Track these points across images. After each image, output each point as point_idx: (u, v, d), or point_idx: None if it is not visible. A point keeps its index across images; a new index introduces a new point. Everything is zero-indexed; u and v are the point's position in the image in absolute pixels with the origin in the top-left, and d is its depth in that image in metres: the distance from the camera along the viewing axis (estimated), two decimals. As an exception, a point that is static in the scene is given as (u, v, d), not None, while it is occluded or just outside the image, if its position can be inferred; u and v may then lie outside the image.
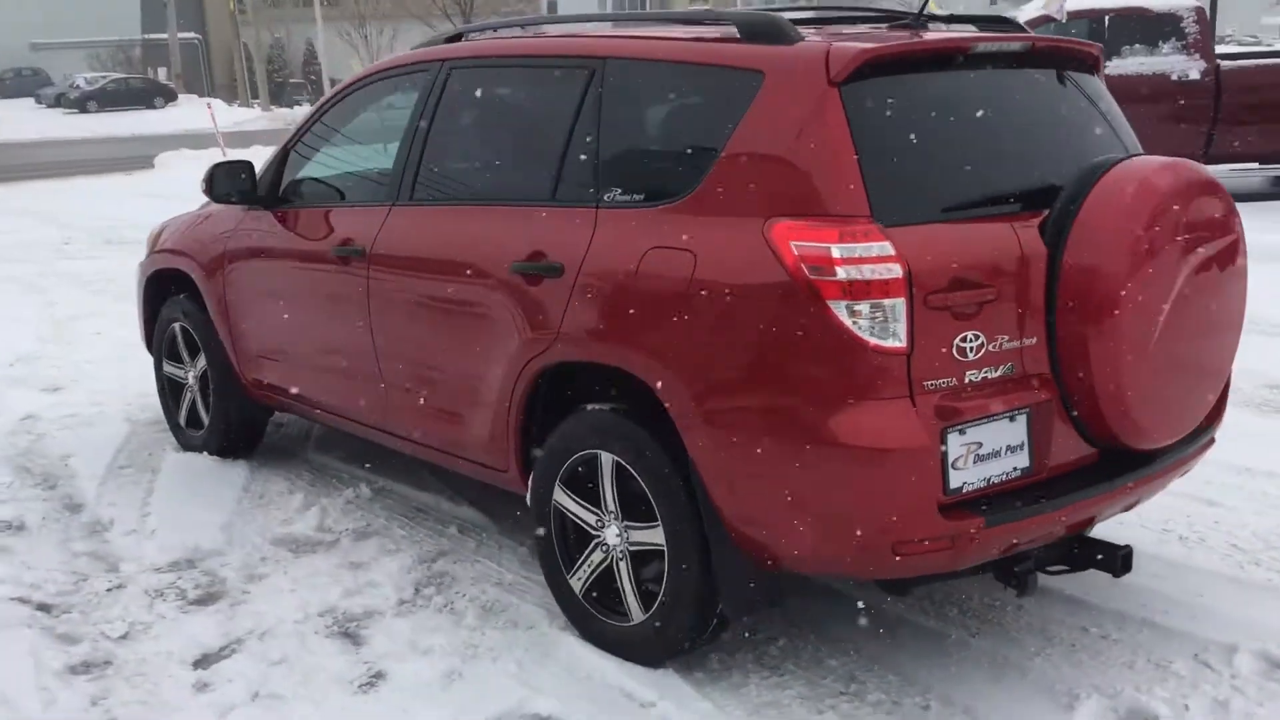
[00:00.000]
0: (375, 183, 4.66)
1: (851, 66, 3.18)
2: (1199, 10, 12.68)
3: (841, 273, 3.02)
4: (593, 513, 3.67)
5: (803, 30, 3.44)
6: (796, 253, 3.07)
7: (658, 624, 3.54)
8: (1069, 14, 12.63)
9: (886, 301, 3.03)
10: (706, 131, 3.43)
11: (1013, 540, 3.17)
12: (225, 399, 5.38)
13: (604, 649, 3.71)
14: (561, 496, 3.75)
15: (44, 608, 4.11)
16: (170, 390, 5.77)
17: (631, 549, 3.59)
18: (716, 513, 3.31)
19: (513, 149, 4.08)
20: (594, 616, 3.74)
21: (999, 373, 3.18)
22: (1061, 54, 3.66)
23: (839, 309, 3.02)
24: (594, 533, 3.68)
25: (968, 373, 3.14)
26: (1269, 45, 29.06)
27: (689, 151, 3.48)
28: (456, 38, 4.52)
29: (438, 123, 4.25)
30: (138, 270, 5.99)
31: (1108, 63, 12.05)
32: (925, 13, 3.71)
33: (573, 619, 3.83)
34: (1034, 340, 3.23)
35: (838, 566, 3.29)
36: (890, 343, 3.04)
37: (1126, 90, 11.98)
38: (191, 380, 5.59)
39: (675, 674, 3.58)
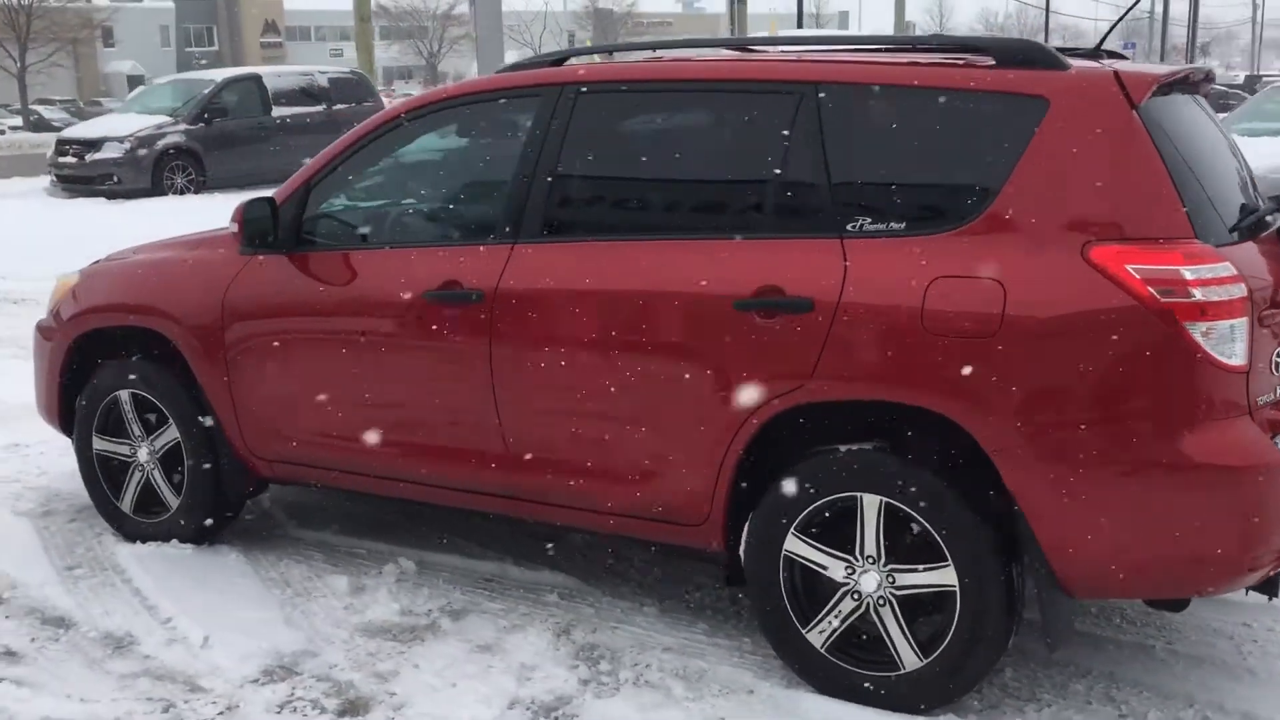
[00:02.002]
0: (468, 219, 4.19)
1: (1148, 90, 3.24)
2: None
3: (1197, 294, 3.06)
4: (841, 560, 3.48)
5: None
6: (1139, 276, 3.07)
7: (938, 669, 3.40)
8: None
9: (1234, 321, 3.10)
10: (978, 157, 3.37)
11: None
12: (210, 477, 4.62)
13: (854, 701, 3.52)
14: (798, 546, 3.54)
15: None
16: (106, 472, 4.88)
17: (898, 594, 3.43)
18: (1040, 546, 3.23)
19: (700, 179, 3.79)
20: (842, 669, 3.54)
21: None
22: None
23: (1194, 331, 3.06)
24: (841, 581, 3.49)
25: (1278, 387, 3.27)
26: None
27: (958, 178, 3.40)
28: (558, 62, 4.15)
29: (571, 152, 3.88)
30: (38, 333, 5.03)
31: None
32: (1103, 48, 3.82)
33: (808, 674, 3.61)
34: None
35: (1179, 586, 3.30)
36: (1235, 361, 3.11)
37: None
38: (144, 458, 4.76)
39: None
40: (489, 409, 3.95)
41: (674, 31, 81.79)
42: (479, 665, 3.81)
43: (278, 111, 19.30)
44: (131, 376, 4.70)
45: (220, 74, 20.19)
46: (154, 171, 17.89)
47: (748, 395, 3.52)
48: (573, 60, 4.15)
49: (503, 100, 4.12)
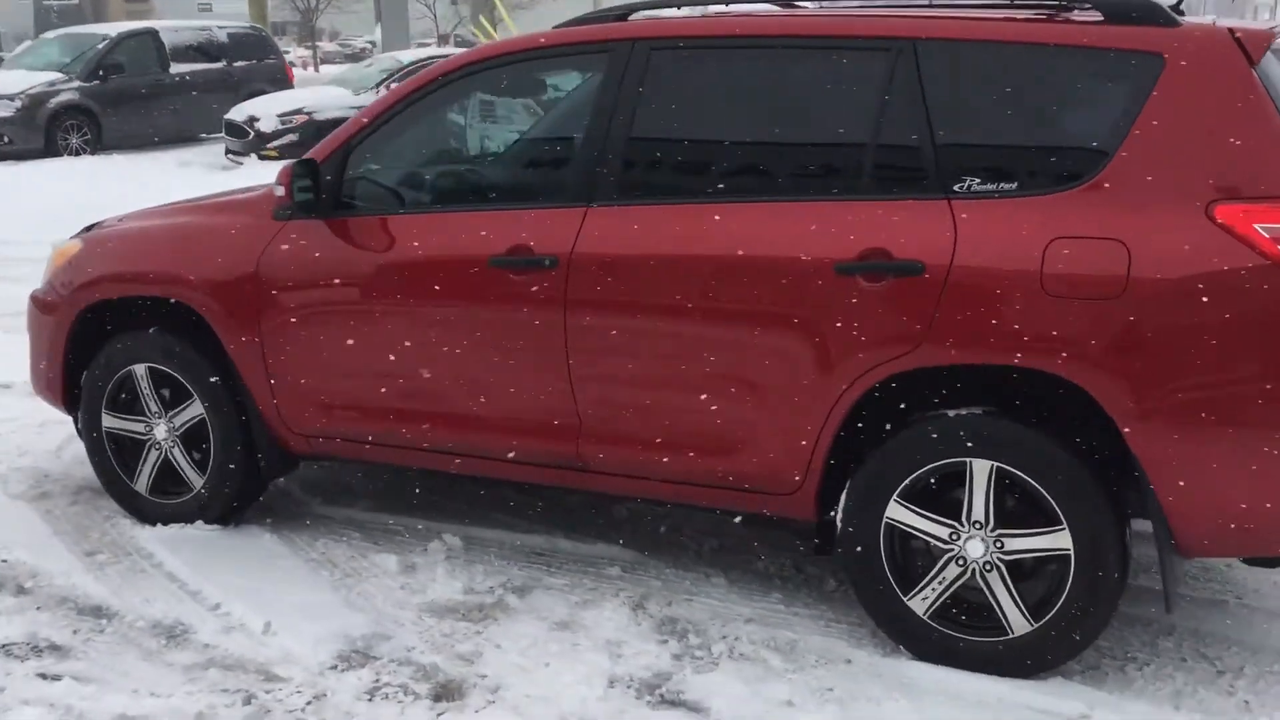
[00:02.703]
0: (533, 180, 4.02)
1: (1265, 49, 3.22)
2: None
3: None
4: (947, 525, 3.44)
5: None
6: (1267, 235, 3.06)
7: (1050, 633, 3.38)
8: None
9: None
10: (1091, 114, 3.32)
11: None
12: (240, 455, 4.39)
13: (958, 666, 3.49)
14: (899, 512, 3.48)
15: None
16: (117, 451, 4.61)
17: (1006, 559, 3.40)
18: (1161, 508, 3.22)
19: (788, 139, 3.67)
20: (946, 635, 3.50)
21: None
22: None
23: None
24: (945, 546, 3.45)
25: None
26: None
27: (1070, 136, 3.35)
28: (622, 16, 3.98)
29: (647, 111, 3.74)
30: (35, 305, 4.72)
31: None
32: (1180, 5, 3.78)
33: (909, 641, 3.57)
34: None
35: None
36: None
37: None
38: (162, 436, 4.50)
39: (1079, 682, 3.46)
40: (561, 379, 3.80)
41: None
42: (563, 643, 3.69)
43: (176, 68, 18.62)
44: (149, 350, 4.43)
45: (114, 28, 19.38)
46: (47, 131, 17.08)
47: (851, 361, 3.44)
48: (637, 15, 3.98)
49: (567, 56, 3.95)
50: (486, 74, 4.04)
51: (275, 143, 15.35)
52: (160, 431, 4.50)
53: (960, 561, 3.44)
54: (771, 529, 4.38)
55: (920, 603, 3.51)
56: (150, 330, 4.45)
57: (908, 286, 3.35)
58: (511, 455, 3.99)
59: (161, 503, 4.56)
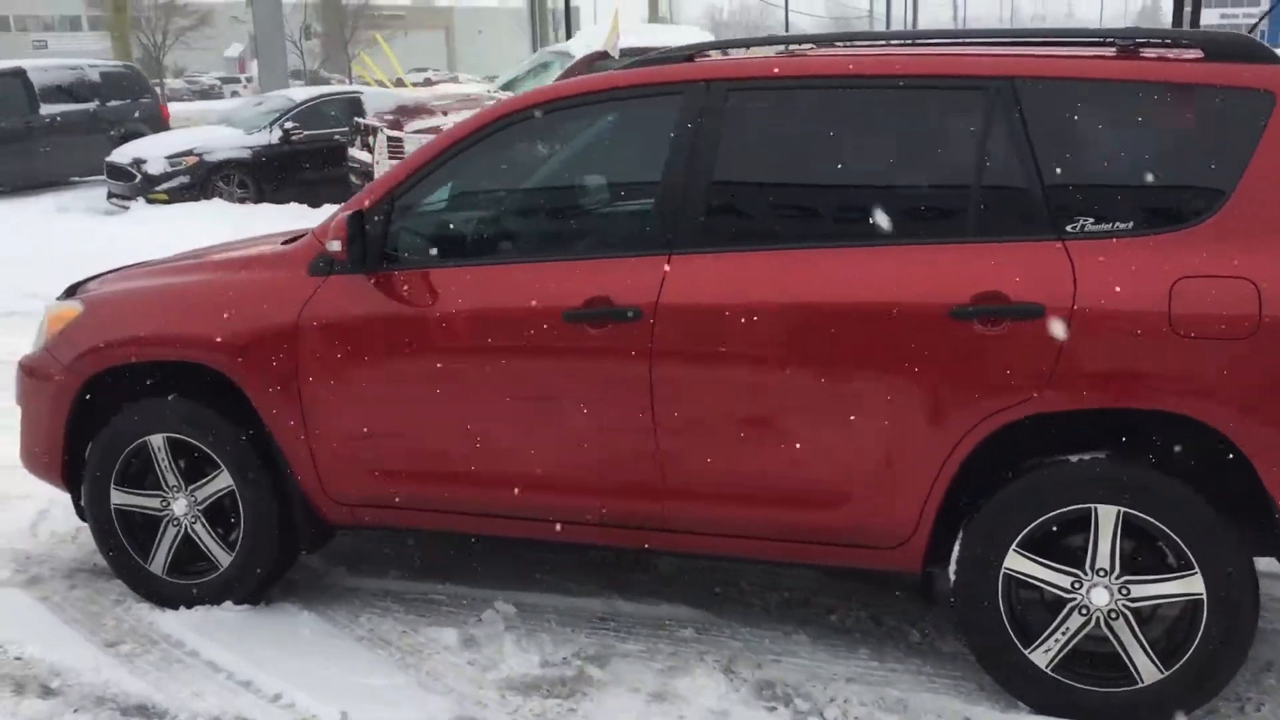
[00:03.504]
0: (603, 228, 3.84)
1: None
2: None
3: None
4: (1069, 574, 3.35)
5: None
6: None
7: (1181, 680, 3.32)
8: (621, 51, 13.12)
9: None
10: (1203, 152, 3.30)
11: None
12: (273, 528, 4.08)
13: (1083, 718, 3.40)
14: (1018, 562, 3.39)
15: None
16: (127, 529, 4.25)
17: (1131, 606, 3.33)
18: None
19: (882, 181, 3.56)
20: (1070, 688, 3.41)
21: None
22: None
23: None
24: (1068, 596, 3.36)
25: None
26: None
27: (1183, 174, 3.31)
28: (689, 57, 3.83)
29: (729, 154, 3.60)
30: (28, 374, 4.34)
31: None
32: (1257, 29, 3.80)
33: (1030, 695, 3.47)
34: None
35: None
36: None
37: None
38: (181, 511, 4.16)
39: (1213, 728, 3.39)
40: (645, 435, 3.62)
41: (406, 24, 79.47)
42: (668, 716, 3.50)
43: (47, 109, 17.74)
44: (168, 418, 4.10)
45: (-23, 69, 18.40)
46: (-90, 176, 16.13)
47: (968, 409, 3.33)
48: (707, 55, 3.84)
49: (634, 100, 3.77)
50: (552, 116, 3.83)
51: (164, 185, 14.71)
52: (179, 506, 4.16)
53: (1083, 610, 3.35)
54: (837, 579, 4.27)
55: (1043, 655, 3.41)
56: (169, 397, 4.12)
57: (1027, 330, 3.26)
58: (587, 517, 3.78)
59: (182, 583, 4.22)
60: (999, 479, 3.41)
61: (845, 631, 4.01)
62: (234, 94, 59.90)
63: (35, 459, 4.37)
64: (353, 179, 14.05)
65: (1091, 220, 3.29)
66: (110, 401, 4.20)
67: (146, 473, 4.22)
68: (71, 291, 4.55)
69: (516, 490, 3.82)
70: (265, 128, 15.29)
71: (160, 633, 4.06)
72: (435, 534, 4.26)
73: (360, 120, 13.83)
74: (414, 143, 12.58)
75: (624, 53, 13.09)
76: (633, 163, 3.83)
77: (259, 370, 3.93)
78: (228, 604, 4.17)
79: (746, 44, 3.87)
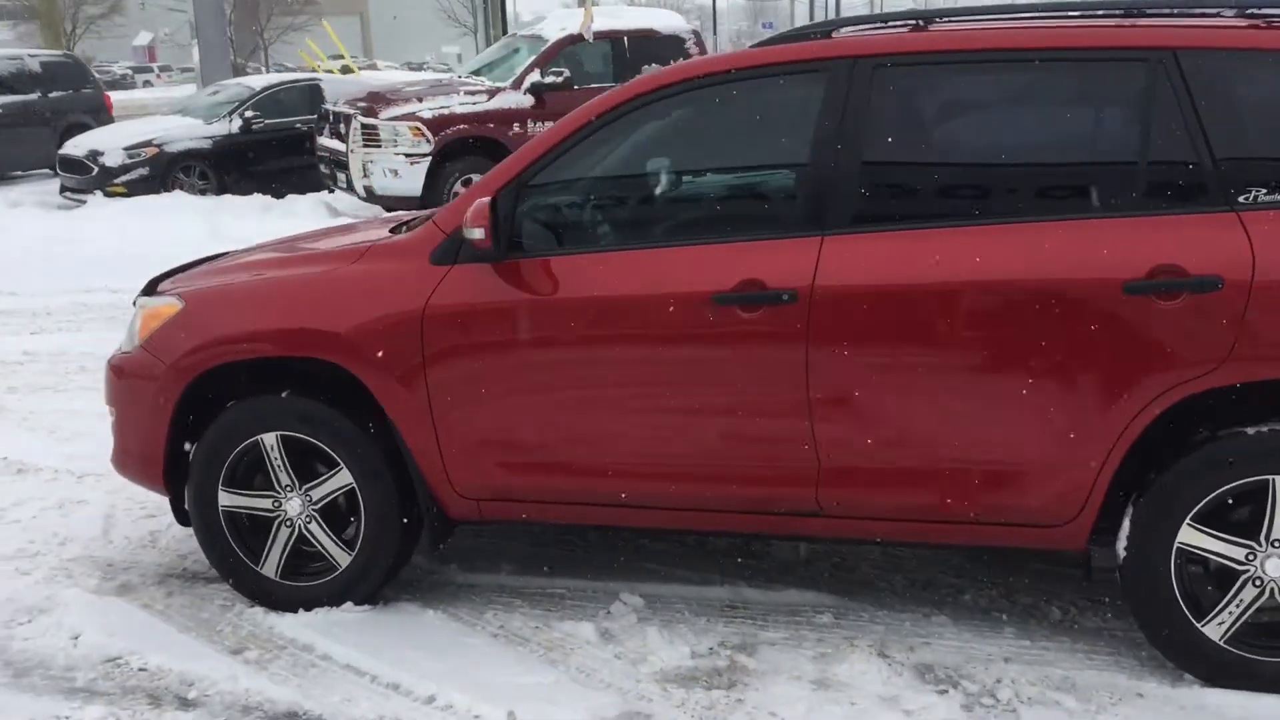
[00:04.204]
0: (748, 210, 3.77)
1: None
2: (696, 33, 13.72)
3: None
4: (1243, 546, 3.36)
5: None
6: None
7: None
8: (595, 34, 13.01)
9: None
10: None
11: None
12: (398, 525, 3.96)
13: (1261, 690, 3.41)
14: (1192, 536, 3.38)
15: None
16: (236, 532, 4.10)
17: (1306, 575, 3.34)
18: None
19: (1042, 156, 3.52)
20: (1244, 659, 3.42)
21: None
22: None
23: None
24: (1241, 568, 3.37)
25: None
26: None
27: None
28: (825, 33, 3.76)
29: (880, 131, 3.54)
30: (123, 374, 4.17)
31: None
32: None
33: (1202, 669, 3.47)
34: None
35: None
36: None
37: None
38: (295, 511, 4.02)
39: (1386, 692, 3.41)
40: (800, 420, 3.56)
41: (320, 10, 77.82)
42: (840, 704, 3.45)
43: (-13, 101, 17.18)
44: (283, 416, 3.96)
45: (-89, 60, 17.77)
46: None
47: (1146, 384, 3.31)
48: (843, 31, 3.78)
49: (776, 77, 3.69)
50: (686, 95, 3.74)
51: (123, 178, 14.33)
52: (293, 506, 4.02)
53: (1258, 582, 3.35)
54: (953, 557, 4.24)
55: (1216, 628, 3.41)
56: (283, 394, 3.97)
57: (1206, 303, 3.24)
58: (735, 505, 3.72)
59: (297, 585, 4.07)
60: (1171, 453, 3.39)
61: (983, 611, 3.98)
62: (146, 84, 58.61)
63: (133, 462, 4.20)
64: (322, 168, 13.79)
65: (1265, 190, 3.28)
66: (211, 401, 4.04)
67: (254, 473, 4.07)
68: (152, 288, 4.37)
69: (658, 479, 3.74)
70: (225, 117, 14.95)
71: (283, 637, 3.92)
72: (564, 526, 4.16)
73: (329, 108, 13.55)
74: (389, 130, 12.37)
75: (598, 36, 12.99)
76: (775, 141, 3.76)
77: (384, 364, 3.81)
78: (347, 605, 4.04)
79: (884, 19, 3.79)
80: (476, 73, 13.85)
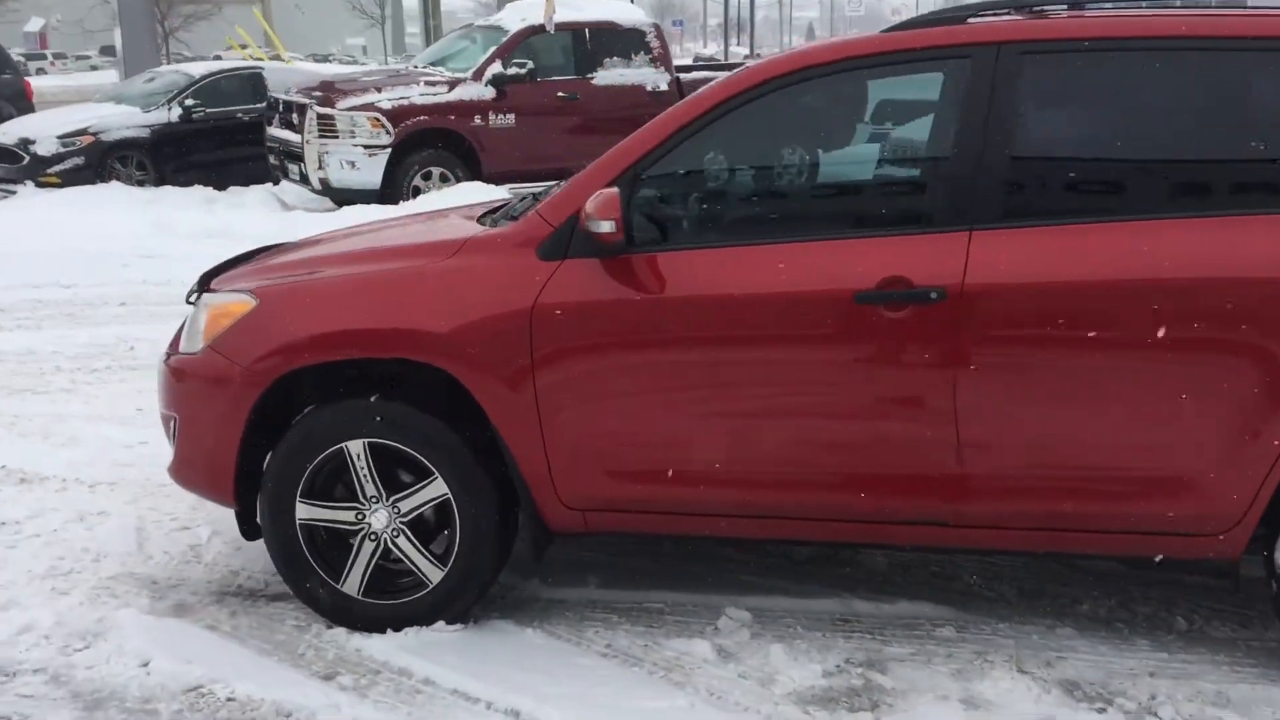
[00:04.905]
0: (883, 203, 3.58)
1: None
2: (657, 26, 13.51)
3: None
4: (1387, 559, 3.26)
5: None
6: None
7: None
8: (556, 25, 12.74)
9: None
10: None
11: None
12: (497, 537, 3.71)
13: None
14: (1357, 545, 3.27)
15: None
16: (314, 547, 3.81)
17: None
18: None
19: (1216, 148, 3.37)
20: (1406, 671, 3.32)
21: None
22: None
23: None
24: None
25: None
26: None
27: None
28: (960, 19, 3.58)
29: (1032, 121, 3.38)
30: (189, 377, 3.85)
31: (593, 74, 12.47)
32: None
33: (1362, 681, 3.36)
34: None
35: None
36: None
37: (614, 99, 12.52)
38: (380, 525, 3.74)
39: None
40: (944, 425, 3.38)
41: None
42: (997, 725, 3.26)
43: (-98, 88, 16.33)
44: (370, 421, 3.67)
45: None
46: None
47: (1326, 382, 3.18)
48: (979, 16, 3.60)
49: (912, 63, 3.51)
50: (817, 81, 3.53)
51: (57, 167, 13.69)
52: (379, 519, 3.73)
53: None
54: (1053, 565, 4.10)
55: (1380, 638, 3.30)
56: (371, 398, 3.69)
57: (1386, 301, 3.12)
58: (867, 515, 3.52)
59: (382, 604, 3.79)
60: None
61: (1106, 622, 3.84)
62: (40, 71, 56.74)
63: (198, 473, 3.88)
64: (271, 159, 13.32)
65: None
66: (279, 407, 3.74)
67: (334, 484, 3.78)
68: (205, 284, 4.05)
69: (786, 489, 3.54)
70: (164, 105, 14.38)
71: (375, 660, 3.64)
72: (675, 538, 3.94)
73: (280, 97, 13.07)
74: (347, 121, 11.98)
75: (559, 27, 12.73)
76: (915, 130, 3.57)
77: (490, 366, 3.55)
78: (439, 624, 3.77)
79: (1029, 4, 3.61)
80: (436, 64, 13.45)
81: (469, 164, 12.31)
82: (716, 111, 3.53)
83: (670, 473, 3.57)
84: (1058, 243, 3.30)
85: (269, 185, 13.73)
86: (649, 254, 3.50)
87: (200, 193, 13.61)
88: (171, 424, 3.92)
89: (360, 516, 3.74)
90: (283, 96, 13.00)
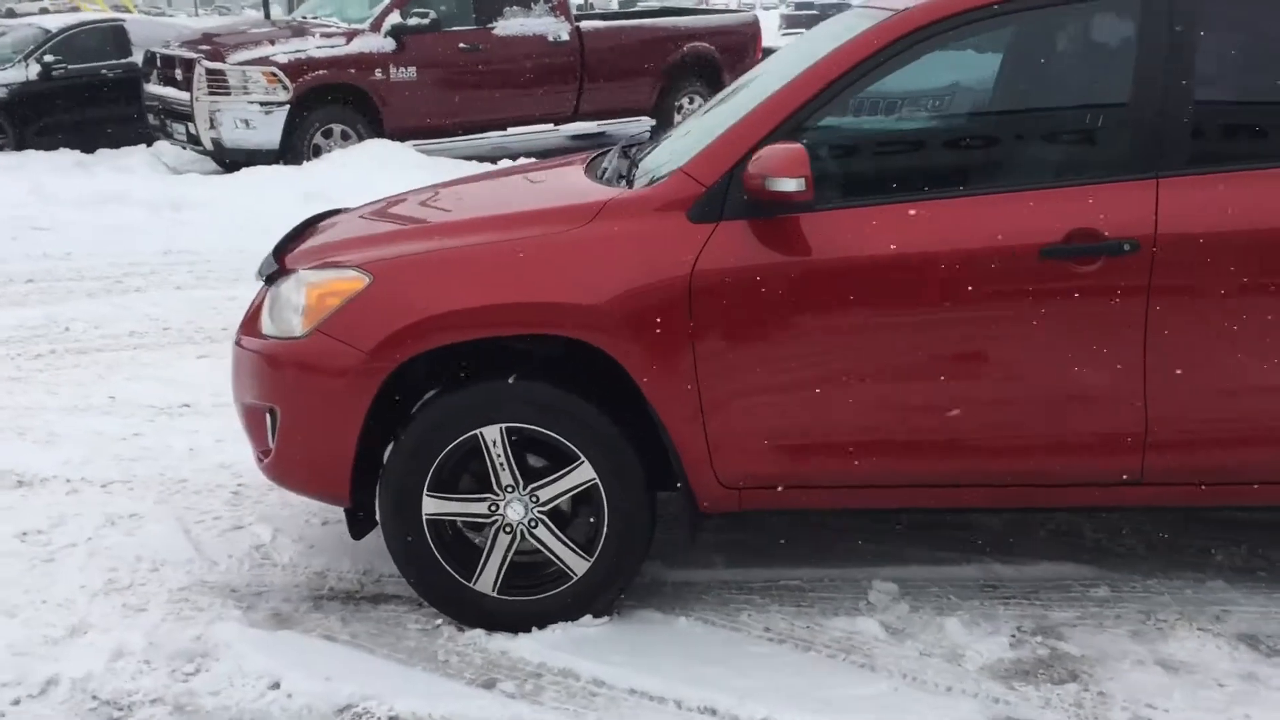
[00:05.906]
0: (1064, 150, 3.41)
1: None
2: (555, -27, 13.09)
3: None
4: None
5: None
6: None
7: None
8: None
9: None
10: None
11: None
12: (646, 525, 3.48)
13: None
14: None
15: None
16: (441, 543, 3.51)
17: None
18: None
19: None
20: None
21: None
22: None
23: None
24: None
25: None
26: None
27: None
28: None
29: (1213, 62, 3.27)
30: (290, 365, 3.48)
31: (494, 24, 12.05)
32: None
33: None
34: None
35: None
36: None
37: (516, 50, 12.14)
38: (516, 516, 3.46)
39: None
40: (1133, 381, 3.27)
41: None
42: (1209, 688, 3.21)
43: None
44: (510, 405, 3.38)
45: None
46: None
47: None
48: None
49: (1080, 2, 3.34)
50: (989, 22, 3.33)
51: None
52: (515, 510, 3.44)
53: None
54: (1165, 513, 4.07)
55: None
56: (509, 380, 3.38)
57: None
58: (1047, 479, 3.40)
59: (520, 600, 3.51)
60: None
61: (1249, 572, 3.82)
62: None
63: (308, 470, 3.52)
64: (151, 118, 12.48)
65: None
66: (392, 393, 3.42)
67: (460, 474, 3.47)
68: (279, 255, 3.68)
69: (963, 455, 3.39)
70: (20, 62, 13.34)
71: (529, 662, 3.37)
72: (836, 512, 3.76)
73: (160, 51, 12.23)
74: (239, 76, 11.30)
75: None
76: (1093, 74, 3.41)
77: (647, 340, 3.28)
78: (585, 619, 3.51)
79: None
80: (337, 13, 12.73)
81: (370, 120, 11.74)
82: (881, 57, 3.31)
83: (840, 445, 3.38)
84: (1248, 189, 3.20)
85: (143, 146, 12.89)
86: (818, 212, 3.27)
87: (69, 156, 12.69)
88: (268, 417, 3.53)
89: (494, 508, 3.45)
90: (161, 50, 12.17)
